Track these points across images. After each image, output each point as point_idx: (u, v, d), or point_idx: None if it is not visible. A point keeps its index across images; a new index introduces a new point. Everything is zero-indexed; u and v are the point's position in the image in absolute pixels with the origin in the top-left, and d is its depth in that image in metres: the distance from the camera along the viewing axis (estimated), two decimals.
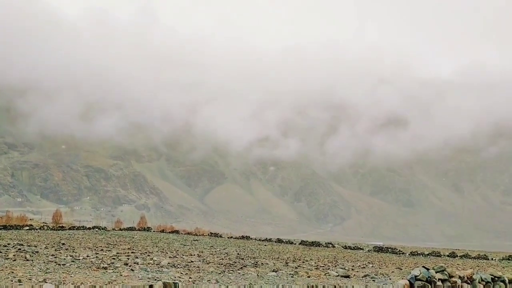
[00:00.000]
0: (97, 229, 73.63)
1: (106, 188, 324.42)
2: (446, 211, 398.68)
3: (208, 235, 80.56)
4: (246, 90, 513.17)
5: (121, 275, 23.61)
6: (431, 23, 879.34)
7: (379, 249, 67.87)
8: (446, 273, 14.52)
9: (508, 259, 60.38)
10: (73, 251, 34.61)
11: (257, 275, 27.69)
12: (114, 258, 31.29)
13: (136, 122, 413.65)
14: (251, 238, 78.40)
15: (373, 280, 28.46)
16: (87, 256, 31.91)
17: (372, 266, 38.73)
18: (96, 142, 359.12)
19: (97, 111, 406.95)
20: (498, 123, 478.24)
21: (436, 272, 14.36)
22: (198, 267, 29.62)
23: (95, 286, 13.00)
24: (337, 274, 30.34)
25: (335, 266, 36.70)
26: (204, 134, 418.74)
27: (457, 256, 61.63)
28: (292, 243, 72.83)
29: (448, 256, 61.31)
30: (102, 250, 37.22)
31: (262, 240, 75.23)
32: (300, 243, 72.35)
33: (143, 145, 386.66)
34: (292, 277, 27.79)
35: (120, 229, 79.49)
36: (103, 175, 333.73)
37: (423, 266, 14.24)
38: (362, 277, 30.44)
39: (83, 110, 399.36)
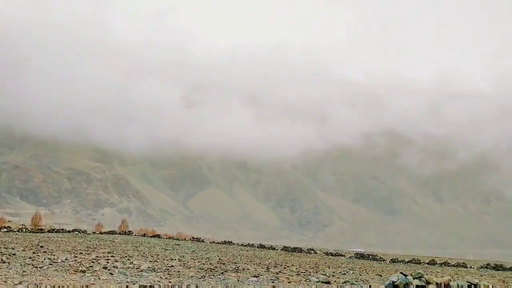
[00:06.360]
0: (77, 232, 72.59)
1: (87, 191, 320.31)
2: (427, 219, 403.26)
3: (190, 239, 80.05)
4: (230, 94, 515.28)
5: (99, 278, 23.31)
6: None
7: (361, 256, 68.28)
8: (424, 280, 14.71)
9: (487, 267, 61.26)
10: (51, 254, 34.05)
11: (238, 280, 27.61)
12: (93, 262, 30.88)
13: (119, 124, 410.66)
14: (233, 243, 78.15)
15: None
16: (66, 259, 31.42)
17: (353, 273, 38.91)
18: (78, 144, 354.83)
19: (81, 113, 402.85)
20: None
21: (414, 279, 14.55)
22: (179, 271, 29.40)
23: None
24: (318, 280, 30.41)
25: (316, 272, 36.78)
26: (190, 138, 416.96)
27: (436, 263, 62.27)
28: (274, 248, 72.79)
29: (428, 263, 61.90)
30: (81, 253, 36.68)
31: (244, 245, 75.04)
32: (282, 249, 72.37)
33: (126, 148, 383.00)
34: (272, 282, 27.75)
35: (101, 233, 78.52)
36: (85, 178, 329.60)
37: (401, 273, 14.41)
38: (342, 283, 30.56)
39: (67, 112, 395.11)
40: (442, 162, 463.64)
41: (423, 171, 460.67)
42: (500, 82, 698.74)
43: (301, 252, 68.35)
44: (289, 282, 28.42)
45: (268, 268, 36.36)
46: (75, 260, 31.25)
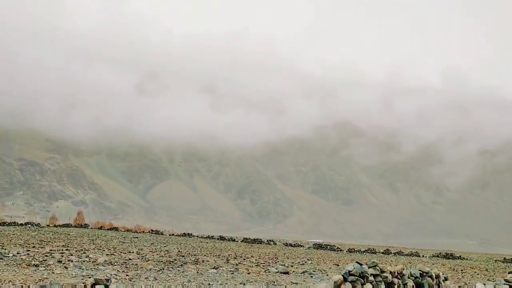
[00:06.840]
0: (29, 225, 70.19)
1: (40, 182, 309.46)
2: (383, 210, 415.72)
3: (149, 232, 79.06)
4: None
5: (53, 272, 22.64)
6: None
7: (319, 246, 69.62)
8: (378, 269, 15.19)
9: (438, 256, 63.94)
10: (2, 248, 32.77)
11: (197, 272, 27.51)
12: (46, 256, 29.96)
13: (69, 111, 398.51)
14: (193, 236, 77.82)
15: (310, 276, 29.14)
16: (18, 253, 30.34)
17: (311, 263, 39.62)
18: (31, 134, 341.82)
19: (33, 102, 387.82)
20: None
21: (369, 268, 15.00)
22: (136, 264, 28.99)
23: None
24: (277, 271, 30.78)
25: (275, 263, 37.18)
26: (148, 128, 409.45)
27: (391, 253, 64.42)
28: (234, 240, 73.01)
29: (382, 253, 63.94)
30: (34, 247, 35.49)
31: (204, 238, 74.87)
32: (242, 241, 72.71)
33: (80, 138, 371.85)
34: (232, 274, 27.84)
35: (55, 226, 76.28)
36: (38, 169, 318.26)
37: (356, 262, 14.80)
38: (301, 273, 31.08)
39: (18, 100, 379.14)
40: (395, 154, 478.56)
41: (377, 163, 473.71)
42: (448, 77, 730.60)
43: (261, 244, 68.90)
44: (248, 273, 28.60)
45: (228, 260, 36.44)
46: (28, 254, 30.21)
